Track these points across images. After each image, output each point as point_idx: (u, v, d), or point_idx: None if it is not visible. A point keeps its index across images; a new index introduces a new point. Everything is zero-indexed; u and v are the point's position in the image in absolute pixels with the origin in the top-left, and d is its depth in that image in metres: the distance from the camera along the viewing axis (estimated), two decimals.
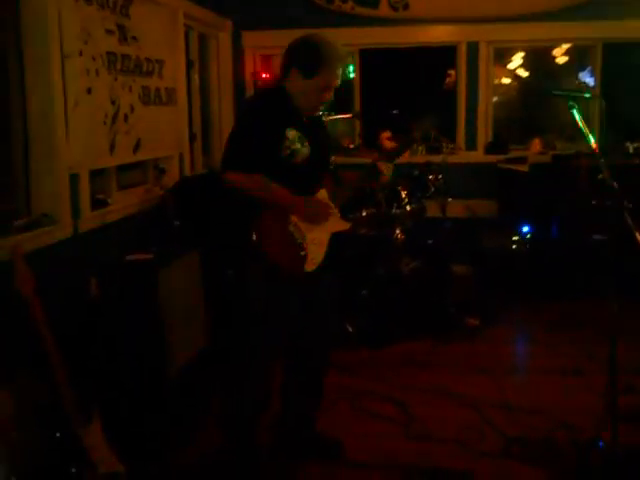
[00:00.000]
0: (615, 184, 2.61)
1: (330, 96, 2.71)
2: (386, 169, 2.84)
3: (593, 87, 6.11)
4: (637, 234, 2.51)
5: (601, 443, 2.88)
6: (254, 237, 2.56)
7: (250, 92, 6.26)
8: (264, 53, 6.36)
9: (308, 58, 2.61)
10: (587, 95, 2.71)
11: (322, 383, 3.09)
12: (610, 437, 2.80)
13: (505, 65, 6.73)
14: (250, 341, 2.77)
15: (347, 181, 2.90)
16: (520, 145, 6.37)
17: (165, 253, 3.36)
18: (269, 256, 2.58)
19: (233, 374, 2.92)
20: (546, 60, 6.63)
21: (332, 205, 2.75)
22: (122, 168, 4.24)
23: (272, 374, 2.86)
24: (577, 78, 6.48)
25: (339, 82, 2.69)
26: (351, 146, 6.43)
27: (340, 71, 2.65)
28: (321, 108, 2.78)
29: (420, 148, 6.15)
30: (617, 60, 6.07)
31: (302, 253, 2.64)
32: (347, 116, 5.03)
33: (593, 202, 4.55)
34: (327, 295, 2.93)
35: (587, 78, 6.40)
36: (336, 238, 2.79)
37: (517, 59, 6.72)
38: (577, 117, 2.68)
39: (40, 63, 3.22)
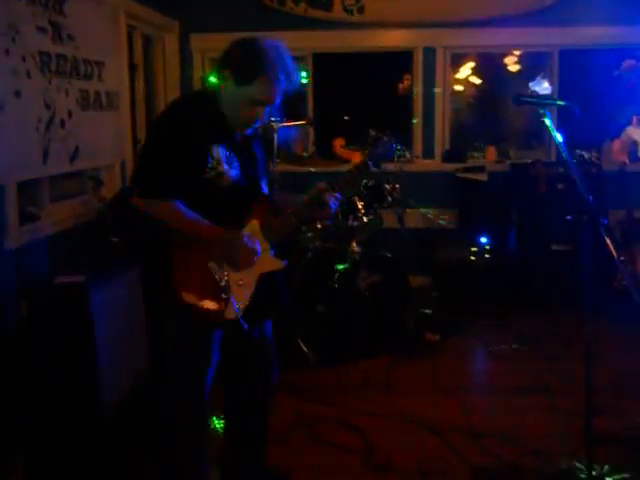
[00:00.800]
0: (590, 198, 2.43)
1: (262, 114, 2.25)
2: (331, 199, 2.35)
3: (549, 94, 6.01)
4: (614, 252, 2.34)
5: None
6: (166, 270, 2.12)
7: None
8: (213, 57, 6.08)
9: (244, 62, 2.17)
10: (560, 102, 2.53)
11: (266, 433, 2.72)
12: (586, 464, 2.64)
13: (455, 73, 6.63)
14: (167, 390, 2.35)
15: (287, 211, 2.38)
16: (477, 153, 6.24)
17: (100, 273, 3.05)
18: (181, 296, 2.12)
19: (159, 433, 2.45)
20: (498, 68, 6.55)
21: (262, 241, 2.28)
22: (57, 178, 3.91)
23: (199, 429, 2.41)
24: (528, 86, 6.39)
25: (275, 100, 2.23)
26: (304, 154, 6.22)
27: (278, 86, 2.19)
28: (250, 126, 2.29)
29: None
30: (573, 67, 5.99)
31: (223, 296, 2.19)
32: (300, 123, 4.81)
33: (568, 217, 4.41)
34: (262, 346, 2.54)
35: (536, 86, 6.33)
36: (268, 279, 2.32)
37: (467, 68, 6.64)
38: (549, 125, 2.50)
39: None
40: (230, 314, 2.20)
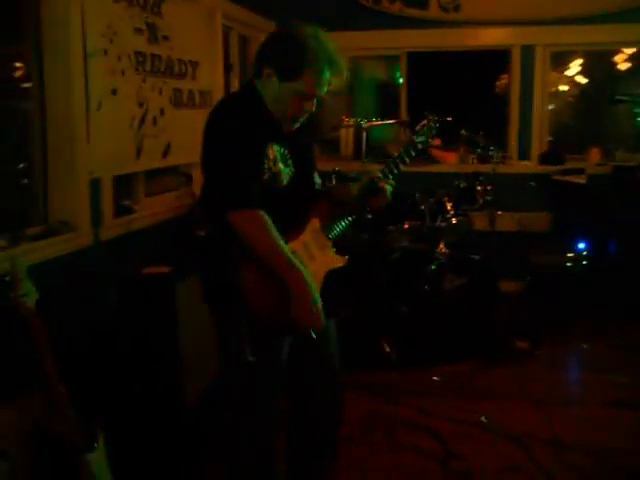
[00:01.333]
0: None
1: (311, 107, 2.14)
2: (387, 186, 2.28)
3: None
4: None
5: None
6: (236, 276, 2.01)
7: None
8: None
9: (288, 55, 2.04)
10: None
11: (335, 447, 2.56)
12: None
13: (562, 71, 6.37)
14: (241, 402, 2.24)
15: (347, 204, 2.30)
16: (577, 155, 5.97)
17: (185, 265, 3.12)
18: (256, 309, 2.03)
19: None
20: (607, 66, 6.24)
21: (324, 239, 2.21)
22: (152, 174, 4.06)
23: (270, 440, 2.29)
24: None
25: (322, 91, 2.10)
26: (394, 154, 6.17)
27: (328, 76, 2.07)
28: (298, 120, 2.17)
29: (472, 157, 5.83)
30: None
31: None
32: (390, 122, 4.78)
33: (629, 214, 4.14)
34: (329, 347, 2.38)
35: None
36: (331, 280, 2.22)
37: (575, 65, 6.36)
38: None
39: (61, 61, 3.04)
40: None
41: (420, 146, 2.46)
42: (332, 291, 2.28)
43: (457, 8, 5.57)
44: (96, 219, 3.30)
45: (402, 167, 2.39)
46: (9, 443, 2.33)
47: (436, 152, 6.75)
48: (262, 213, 2.01)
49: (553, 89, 6.26)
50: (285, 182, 2.14)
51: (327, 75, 2.08)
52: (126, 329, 2.97)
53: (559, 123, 6.61)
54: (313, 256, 2.19)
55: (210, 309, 2.21)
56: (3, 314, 2.28)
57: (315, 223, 2.23)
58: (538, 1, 5.47)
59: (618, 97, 2.44)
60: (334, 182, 4.30)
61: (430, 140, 2.54)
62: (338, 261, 2.28)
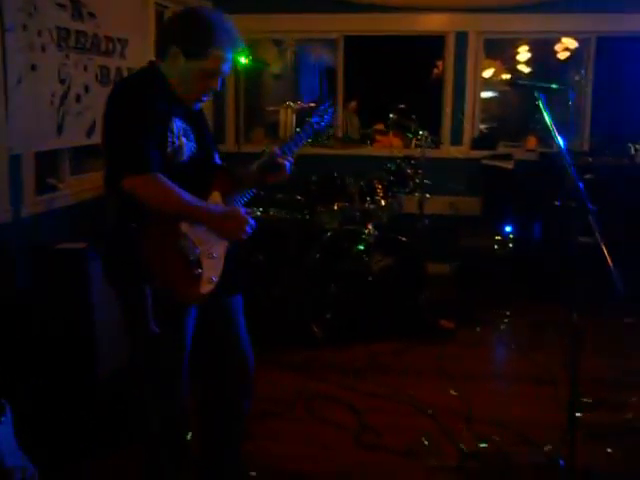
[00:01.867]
0: (580, 185, 2.39)
1: (215, 85, 2.21)
2: (285, 162, 2.38)
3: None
4: (598, 237, 2.30)
5: (562, 462, 2.68)
6: (135, 253, 2.04)
7: (230, 79, 6.05)
8: (246, 38, 6.12)
9: (196, 34, 2.11)
10: (554, 86, 2.48)
11: (243, 418, 2.58)
12: (568, 456, 2.60)
13: (506, 60, 6.52)
14: (146, 374, 2.29)
15: (244, 179, 2.38)
16: (514, 143, 6.11)
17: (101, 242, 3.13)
18: (157, 278, 2.08)
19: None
20: (549, 56, 6.40)
21: (247, 214, 2.26)
22: (80, 152, 4.03)
23: (176, 409, 2.33)
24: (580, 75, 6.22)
25: (227, 70, 2.19)
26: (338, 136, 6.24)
27: (231, 55, 2.17)
28: (204, 99, 2.26)
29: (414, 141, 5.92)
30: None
31: (197, 271, 2.14)
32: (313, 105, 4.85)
33: (556, 203, 4.32)
34: (236, 319, 2.44)
35: None
36: (234, 251, 2.29)
37: (523, 53, 6.49)
38: (542, 109, 2.46)
39: None
40: (205, 288, 2.18)
41: (315, 126, 2.60)
42: (237, 266, 2.35)
43: None
44: (16, 196, 3.28)
45: (300, 145, 2.51)
46: None
47: (379, 137, 6.86)
48: (160, 175, 2.05)
49: (494, 77, 6.42)
50: (187, 157, 2.19)
51: (230, 54, 2.17)
52: (40, 303, 2.97)
53: (501, 110, 6.79)
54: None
55: (113, 287, 2.24)
56: None
57: (216, 197, 2.28)
58: None
59: (520, 82, 2.52)
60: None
61: (322, 121, 2.65)
62: None
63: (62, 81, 3.57)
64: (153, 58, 2.27)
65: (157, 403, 2.31)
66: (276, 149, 2.40)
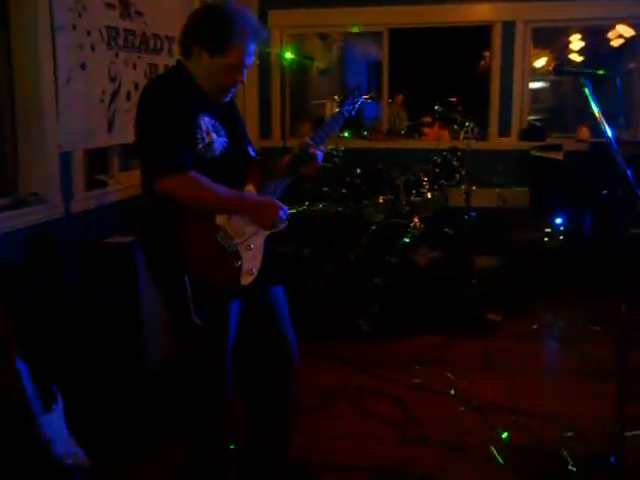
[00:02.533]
0: (629, 173, 2.34)
1: (241, 77, 2.24)
2: (318, 152, 2.38)
3: None
4: None
5: (612, 459, 2.62)
6: (175, 247, 2.10)
7: (276, 74, 6.10)
8: (291, 33, 6.16)
9: (215, 32, 2.15)
10: (600, 72, 2.43)
11: (287, 407, 2.61)
12: (617, 452, 2.55)
13: (556, 50, 6.39)
14: (191, 367, 2.34)
15: (277, 171, 2.38)
16: (565, 134, 5.98)
17: None
18: (198, 272, 2.12)
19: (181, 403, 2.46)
20: (602, 44, 6.24)
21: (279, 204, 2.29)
22: (128, 149, 4.11)
23: (221, 404, 2.37)
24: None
25: (251, 61, 2.23)
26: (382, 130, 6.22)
27: (254, 46, 2.21)
28: (231, 91, 2.29)
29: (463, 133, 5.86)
30: None
31: (237, 264, 2.18)
32: (366, 97, 4.82)
33: (603, 192, 4.21)
34: (279, 311, 2.47)
35: None
36: (273, 242, 2.32)
37: (575, 41, 6.35)
38: (589, 95, 2.41)
39: (28, 36, 3.10)
40: (245, 280, 2.20)
41: (346, 114, 2.57)
42: (278, 257, 2.39)
43: None
44: (67, 191, 3.38)
45: (330, 134, 2.51)
46: None
47: (426, 129, 6.82)
48: (194, 173, 2.11)
49: (546, 67, 6.29)
50: (219, 152, 2.23)
51: (252, 45, 2.21)
52: (90, 296, 3.06)
53: (552, 101, 6.65)
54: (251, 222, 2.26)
55: (156, 281, 2.30)
56: None
57: (251, 189, 2.31)
58: None
59: (566, 69, 2.47)
60: None
61: (353, 110, 2.61)
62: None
63: (112, 79, 3.65)
64: None
65: (201, 394, 2.35)
66: (307, 139, 2.40)
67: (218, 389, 2.35)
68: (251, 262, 2.22)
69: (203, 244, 2.14)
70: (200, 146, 2.17)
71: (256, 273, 2.22)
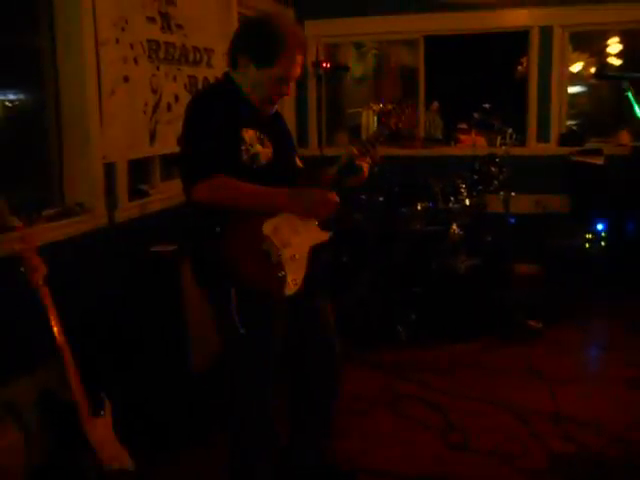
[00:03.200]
0: None
1: (287, 89, 2.28)
2: (365, 165, 2.40)
3: None
4: None
5: None
6: (221, 255, 2.13)
7: (312, 83, 6.14)
8: (327, 42, 6.21)
9: (262, 44, 2.19)
10: None
11: (331, 413, 2.64)
12: None
13: (593, 53, 6.31)
14: (236, 372, 2.36)
15: (323, 182, 2.36)
16: (606, 138, 5.89)
17: None
18: (243, 279, 2.14)
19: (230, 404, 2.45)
20: None
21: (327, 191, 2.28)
22: (170, 159, 4.19)
23: (267, 408, 2.38)
24: None
25: (299, 72, 2.26)
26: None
27: (301, 58, 2.23)
28: (277, 102, 2.33)
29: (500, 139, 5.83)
30: None
31: (281, 274, 2.18)
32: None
33: None
34: (323, 319, 2.50)
35: None
36: (317, 254, 2.32)
37: (613, 45, 6.26)
38: (632, 101, 2.39)
39: (73, 50, 3.18)
40: (289, 290, 2.21)
41: (390, 125, 2.51)
42: (323, 267, 2.42)
43: None
44: (111, 202, 3.45)
45: (376, 145, 2.47)
46: (25, 409, 2.51)
47: (463, 136, 6.80)
48: (226, 177, 2.12)
49: (583, 71, 6.22)
50: (264, 162, 2.25)
51: (299, 57, 2.23)
52: (136, 303, 3.12)
53: (591, 105, 6.57)
54: (297, 231, 2.28)
55: (202, 289, 2.33)
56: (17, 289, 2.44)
57: None
58: None
59: (607, 73, 2.46)
60: None
61: (397, 122, 2.55)
62: (322, 235, 2.36)
63: (154, 91, 3.73)
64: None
65: (246, 401, 2.37)
66: (354, 150, 2.40)
67: (263, 394, 2.37)
68: (296, 273, 2.23)
69: (248, 252, 2.16)
70: (245, 157, 2.20)
71: (300, 283, 2.23)
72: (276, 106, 2.37)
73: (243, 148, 2.20)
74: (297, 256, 2.24)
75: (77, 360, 2.44)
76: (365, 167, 2.40)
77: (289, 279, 2.22)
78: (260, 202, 2.20)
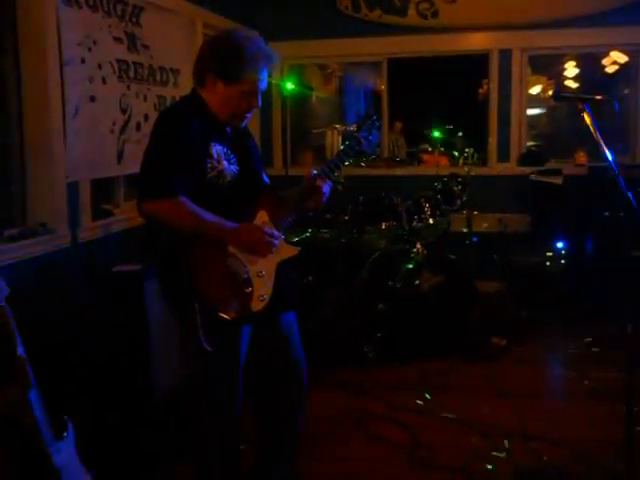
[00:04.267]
0: (630, 195, 2.38)
1: (256, 102, 2.30)
2: (324, 185, 2.40)
3: None
4: None
5: None
6: (186, 272, 2.12)
7: (277, 104, 6.18)
8: (291, 63, 6.27)
9: (228, 59, 2.22)
10: (598, 97, 2.48)
11: (299, 428, 2.64)
12: (627, 473, 2.55)
13: (552, 76, 6.48)
14: (202, 388, 2.34)
15: (289, 200, 2.41)
16: (563, 159, 6.04)
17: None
18: (206, 297, 2.14)
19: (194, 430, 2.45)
20: (597, 71, 6.33)
21: (272, 229, 2.30)
22: (133, 179, 4.17)
23: (233, 424, 2.38)
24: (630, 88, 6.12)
25: (265, 85, 2.30)
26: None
27: (265, 73, 2.27)
28: (246, 117, 2.35)
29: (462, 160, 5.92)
30: None
31: (248, 290, 2.20)
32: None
33: (605, 214, 4.26)
34: (291, 335, 2.51)
35: None
36: (284, 270, 2.34)
37: (570, 68, 6.43)
38: (588, 121, 2.46)
39: (37, 69, 3.17)
40: (257, 306, 2.22)
41: (364, 142, 2.58)
42: (291, 283, 2.43)
43: (435, 14, 5.70)
44: (74, 221, 3.42)
45: (340, 165, 2.50)
46: None
47: (426, 156, 6.89)
48: (183, 199, 2.12)
49: (542, 94, 6.38)
50: (229, 179, 2.27)
51: (265, 71, 2.27)
52: (99, 323, 3.09)
53: (550, 127, 6.72)
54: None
55: (168, 306, 2.31)
56: None
57: (263, 216, 2.34)
58: (513, 5, 5.60)
59: (564, 94, 2.53)
60: None
61: (369, 135, 2.63)
62: (290, 251, 2.38)
63: (123, 111, 3.72)
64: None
65: (212, 418, 2.36)
66: (313, 171, 2.42)
67: (230, 411, 2.37)
68: (262, 288, 2.24)
69: (213, 270, 2.17)
70: (211, 174, 2.22)
71: (267, 299, 2.24)
72: (246, 121, 2.38)
73: (209, 164, 2.21)
74: (264, 272, 2.26)
75: (39, 382, 2.40)
76: (321, 187, 2.39)
77: (256, 295, 2.23)
78: (205, 232, 2.19)
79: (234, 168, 2.31)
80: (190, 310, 2.15)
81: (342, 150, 2.56)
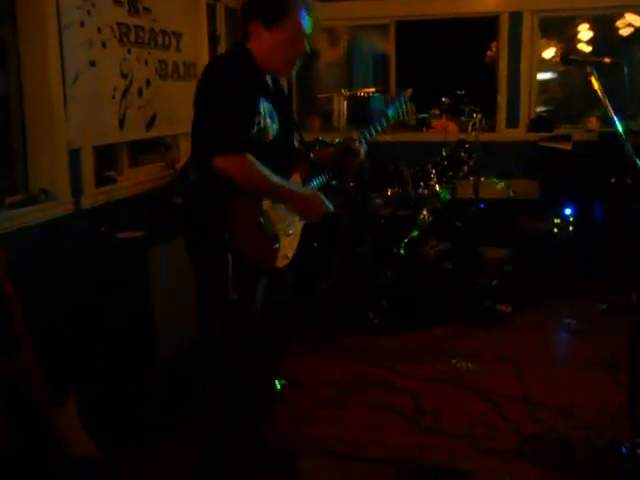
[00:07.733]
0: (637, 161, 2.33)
1: (304, 46, 2.30)
2: (361, 149, 2.51)
3: None
4: None
5: (624, 449, 2.62)
6: (219, 222, 2.16)
7: None
8: None
9: (268, 7, 2.25)
10: (606, 60, 2.42)
11: (271, 391, 2.78)
12: (630, 442, 2.55)
13: (565, 40, 6.33)
14: (219, 342, 2.38)
15: (321, 163, 2.53)
16: (576, 124, 5.93)
17: (158, 232, 3.23)
18: (239, 247, 2.18)
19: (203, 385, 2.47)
20: (611, 34, 6.17)
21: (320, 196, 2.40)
22: (137, 145, 4.14)
23: (244, 377, 2.43)
24: None
25: (308, 28, 2.29)
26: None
27: (307, 14, 2.28)
28: (294, 64, 2.35)
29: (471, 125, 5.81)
30: None
31: (276, 246, 2.30)
32: (370, 91, 4.83)
33: (612, 180, 4.19)
34: (287, 295, 2.63)
35: None
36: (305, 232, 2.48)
37: (583, 31, 6.28)
38: (595, 86, 2.40)
39: (35, 34, 3.10)
40: (280, 262, 2.34)
41: (391, 118, 2.65)
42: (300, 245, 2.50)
43: None
44: (77, 188, 3.40)
45: (375, 134, 2.60)
46: None
47: (435, 122, 6.79)
48: (250, 157, 2.14)
49: (555, 58, 6.24)
50: (271, 137, 2.29)
51: (305, 13, 2.28)
52: (102, 290, 3.09)
53: (562, 92, 6.59)
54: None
55: (195, 254, 2.34)
56: None
57: (297, 179, 2.42)
58: None
59: (572, 57, 2.47)
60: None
61: (400, 113, 2.69)
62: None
63: (124, 76, 3.66)
64: (207, 52, 2.36)
65: (231, 370, 2.39)
66: (354, 135, 2.51)
67: (245, 359, 2.40)
68: (288, 248, 2.37)
69: (247, 224, 2.22)
70: (255, 129, 2.22)
71: (290, 258, 2.38)
72: (293, 68, 2.37)
73: (256, 120, 2.22)
74: (292, 232, 2.38)
75: (42, 349, 2.41)
76: (360, 150, 2.50)
77: (282, 252, 2.33)
78: (273, 195, 2.26)
79: (275, 127, 2.32)
80: (221, 259, 2.16)
81: (373, 122, 2.61)
